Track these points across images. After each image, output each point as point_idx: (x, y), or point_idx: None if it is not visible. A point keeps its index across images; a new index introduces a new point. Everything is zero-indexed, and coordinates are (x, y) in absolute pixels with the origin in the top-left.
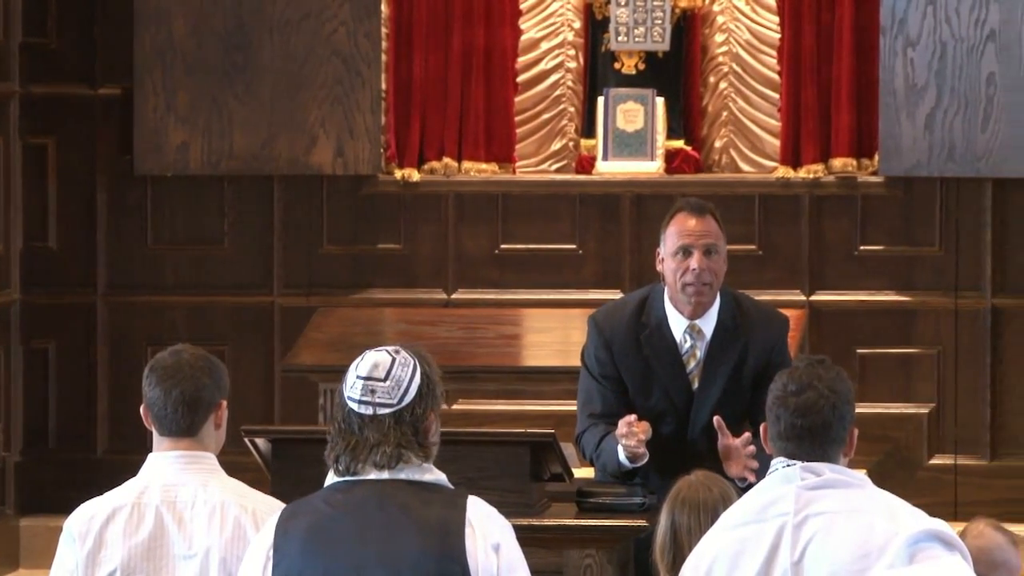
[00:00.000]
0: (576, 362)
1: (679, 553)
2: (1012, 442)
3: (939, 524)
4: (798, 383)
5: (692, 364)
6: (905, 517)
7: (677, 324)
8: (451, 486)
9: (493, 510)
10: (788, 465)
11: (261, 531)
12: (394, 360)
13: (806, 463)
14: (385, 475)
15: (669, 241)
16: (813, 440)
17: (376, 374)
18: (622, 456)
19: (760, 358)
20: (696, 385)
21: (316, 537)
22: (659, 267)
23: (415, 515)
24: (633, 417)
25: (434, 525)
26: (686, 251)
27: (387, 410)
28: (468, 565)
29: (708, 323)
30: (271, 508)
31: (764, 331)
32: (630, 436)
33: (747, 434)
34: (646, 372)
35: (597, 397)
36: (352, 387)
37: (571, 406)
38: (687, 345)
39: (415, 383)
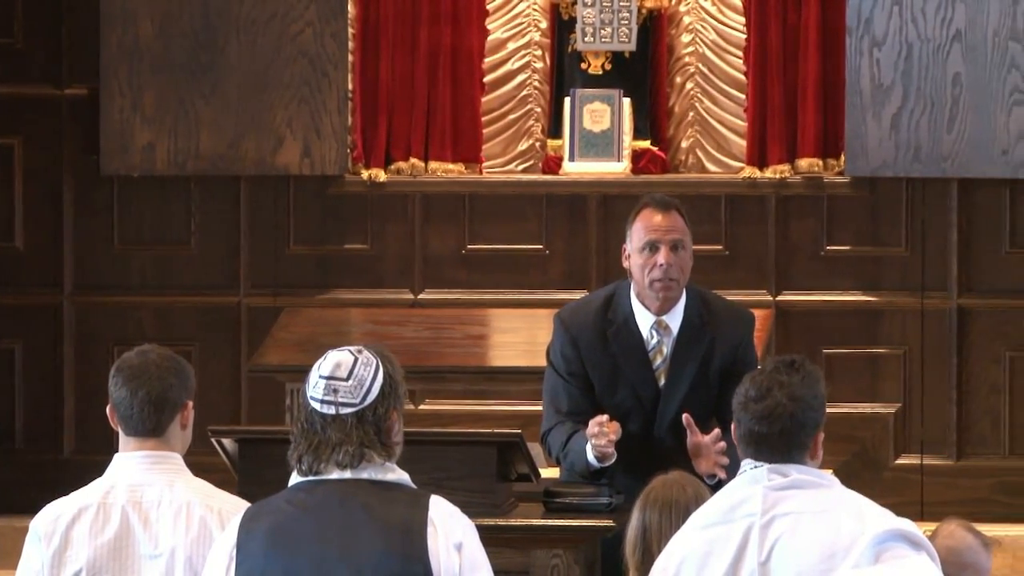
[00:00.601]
0: (543, 362)
1: (649, 552)
2: (978, 442)
3: (906, 524)
4: (758, 389)
5: (659, 360)
6: (872, 517)
7: (644, 320)
8: (413, 485)
9: (456, 509)
10: (756, 466)
11: (224, 531)
12: (356, 360)
13: (773, 464)
14: (348, 475)
15: (635, 237)
16: (772, 447)
17: (338, 374)
18: (591, 456)
19: (727, 355)
20: (663, 382)
21: (278, 537)
22: (625, 263)
23: (377, 514)
24: (604, 417)
25: (396, 524)
26: (653, 247)
27: (349, 409)
28: (430, 564)
29: (675, 319)
30: (237, 508)
31: (731, 328)
32: (600, 436)
33: (716, 431)
34: (613, 369)
35: (563, 395)
36: (315, 387)
37: (538, 406)
38: (654, 341)
39: (377, 383)
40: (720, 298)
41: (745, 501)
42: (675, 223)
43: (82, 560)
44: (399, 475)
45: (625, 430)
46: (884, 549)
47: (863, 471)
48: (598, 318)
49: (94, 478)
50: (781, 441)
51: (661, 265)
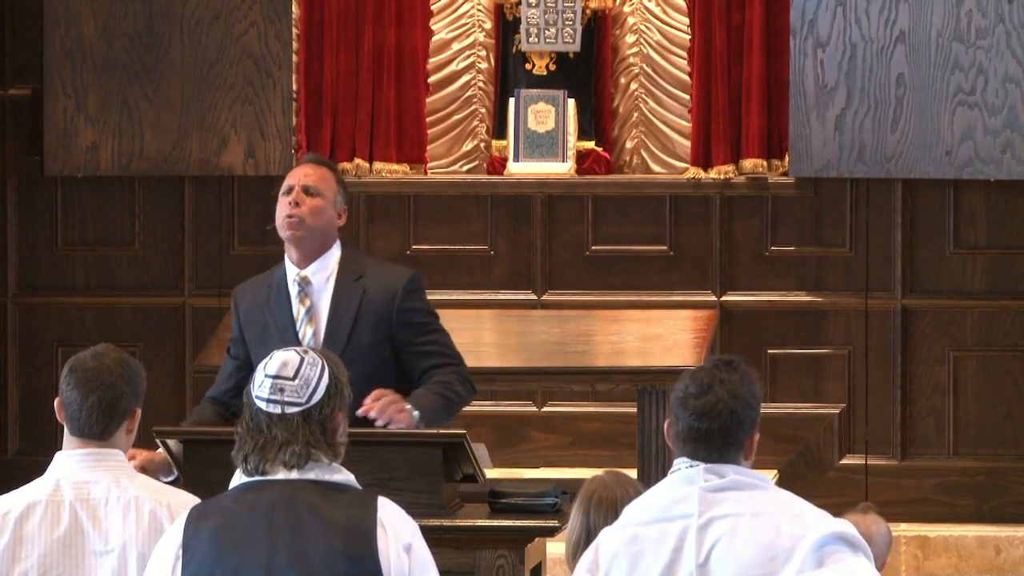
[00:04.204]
0: (487, 363)
1: None
2: (922, 442)
3: (844, 525)
4: (699, 385)
5: (302, 313)
6: (811, 519)
7: (291, 275)
8: (359, 486)
9: (402, 511)
10: (691, 465)
11: (168, 531)
12: (303, 360)
13: (709, 464)
14: (294, 475)
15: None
16: (711, 444)
17: (285, 373)
18: None
19: (382, 309)
20: (310, 336)
21: (225, 537)
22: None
23: (325, 515)
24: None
25: (344, 525)
26: (288, 190)
27: (295, 409)
28: (380, 565)
29: (321, 274)
30: (186, 504)
31: (384, 279)
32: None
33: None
34: (264, 326)
35: (218, 379)
36: (260, 386)
37: (483, 407)
38: (295, 293)
39: (323, 383)
40: (383, 260)
41: (680, 501)
42: (317, 171)
43: (33, 557)
44: (345, 476)
45: None
46: (826, 553)
47: (807, 471)
48: (262, 283)
49: (38, 478)
50: (720, 437)
51: (290, 203)
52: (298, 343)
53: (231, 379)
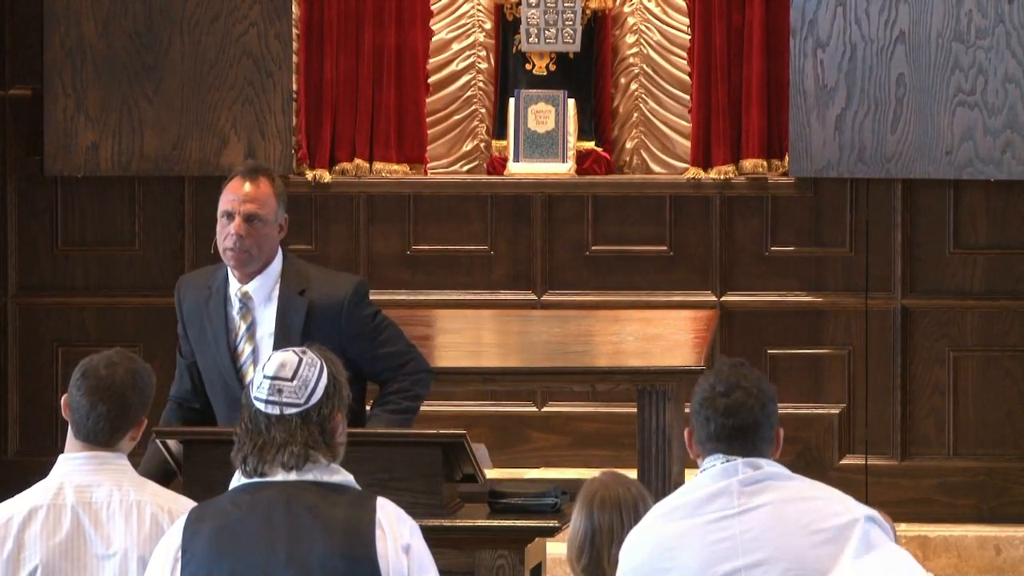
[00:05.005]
0: (487, 363)
1: (598, 555)
2: (922, 442)
3: (875, 511)
4: (726, 384)
5: (242, 330)
6: (852, 502)
7: (233, 289)
8: (358, 487)
9: (401, 511)
10: (727, 460)
11: (168, 533)
12: (301, 360)
13: (746, 458)
14: (292, 476)
15: (219, 204)
16: (744, 439)
17: (283, 374)
18: None
19: (329, 321)
20: (248, 351)
21: (224, 539)
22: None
23: (323, 516)
24: None
25: (343, 526)
26: (229, 216)
27: (294, 410)
28: (379, 566)
29: (262, 290)
30: (187, 508)
31: (328, 291)
32: None
33: None
34: (202, 332)
35: (176, 374)
36: (259, 387)
37: (483, 407)
38: (235, 310)
39: (322, 383)
40: (324, 269)
41: (720, 495)
42: (258, 194)
43: (35, 561)
44: (344, 476)
45: (215, 398)
46: (873, 536)
47: (807, 471)
48: (203, 283)
49: (38, 479)
50: (753, 432)
51: (231, 235)
52: (235, 358)
53: (186, 381)
